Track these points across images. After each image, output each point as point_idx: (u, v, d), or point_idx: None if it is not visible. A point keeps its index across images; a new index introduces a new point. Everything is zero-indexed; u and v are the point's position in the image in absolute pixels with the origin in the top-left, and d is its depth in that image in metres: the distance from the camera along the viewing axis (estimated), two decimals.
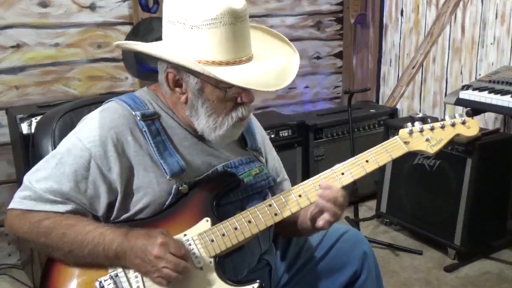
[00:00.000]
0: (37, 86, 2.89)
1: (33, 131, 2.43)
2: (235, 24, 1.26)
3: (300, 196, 1.38)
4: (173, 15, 1.29)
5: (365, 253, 1.56)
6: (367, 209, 3.47)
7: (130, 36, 2.82)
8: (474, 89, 2.61)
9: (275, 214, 1.36)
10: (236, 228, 1.33)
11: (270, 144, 1.64)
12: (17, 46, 2.81)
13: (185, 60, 1.27)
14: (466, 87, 2.65)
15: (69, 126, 1.41)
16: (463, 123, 1.46)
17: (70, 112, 1.59)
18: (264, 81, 1.27)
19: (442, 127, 1.45)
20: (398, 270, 2.75)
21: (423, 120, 1.48)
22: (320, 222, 1.36)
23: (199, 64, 1.26)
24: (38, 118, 2.47)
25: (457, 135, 1.46)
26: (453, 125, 1.46)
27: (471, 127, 1.46)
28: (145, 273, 1.27)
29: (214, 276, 1.30)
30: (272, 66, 1.33)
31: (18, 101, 2.84)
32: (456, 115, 1.48)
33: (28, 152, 2.44)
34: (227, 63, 1.28)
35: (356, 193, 2.99)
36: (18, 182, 2.71)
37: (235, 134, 1.41)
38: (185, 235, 1.33)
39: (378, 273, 1.60)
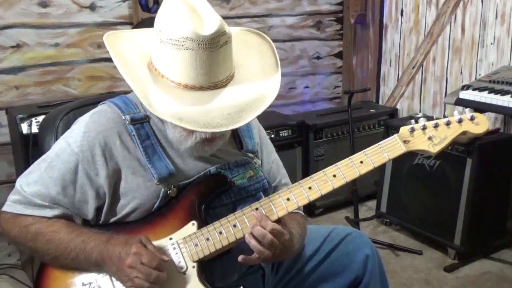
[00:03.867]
0: (37, 86, 2.89)
1: (33, 131, 2.43)
2: (197, 50, 1.19)
3: (288, 199, 1.33)
4: (155, 21, 1.27)
5: (367, 257, 1.51)
6: (367, 209, 3.47)
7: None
8: (474, 89, 2.61)
9: None
10: (221, 233, 1.31)
11: (270, 147, 1.59)
12: (17, 46, 2.81)
13: (129, 80, 1.23)
14: (466, 87, 2.65)
15: (72, 124, 1.42)
16: (471, 119, 1.33)
17: (75, 110, 1.60)
18: (207, 119, 1.19)
19: (448, 123, 1.33)
20: (398, 270, 2.74)
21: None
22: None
23: (137, 88, 1.22)
24: (38, 118, 2.48)
25: (464, 132, 1.33)
26: (459, 121, 1.33)
27: (480, 124, 1.32)
28: (120, 281, 1.27)
29: (195, 281, 1.29)
30: (239, 97, 1.25)
31: (18, 101, 2.84)
32: (467, 110, 1.35)
33: (28, 152, 2.44)
34: (186, 87, 1.24)
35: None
36: None
37: (204, 151, 1.36)
38: (170, 238, 1.32)
39: (382, 275, 1.56)
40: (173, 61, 1.23)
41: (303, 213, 1.56)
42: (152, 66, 1.29)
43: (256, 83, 1.31)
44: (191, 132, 1.29)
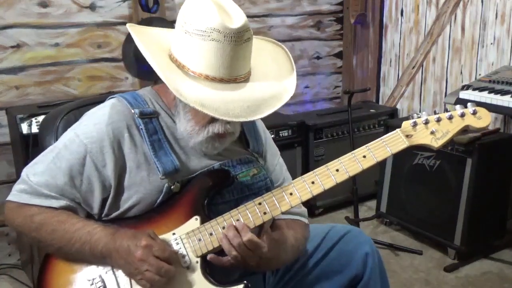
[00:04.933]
0: (37, 86, 2.89)
1: (33, 131, 2.43)
2: (223, 42, 1.22)
3: (291, 194, 1.34)
4: (180, 14, 1.29)
5: (367, 254, 1.51)
6: (367, 209, 3.47)
7: (130, 36, 2.83)
8: (474, 89, 2.61)
9: (264, 213, 1.33)
10: (224, 227, 1.31)
11: (274, 150, 1.60)
12: (17, 46, 2.80)
13: (156, 65, 1.24)
14: (466, 87, 2.65)
15: (73, 124, 1.42)
16: (474, 113, 1.32)
17: (75, 110, 1.60)
18: (227, 109, 1.22)
19: (450, 118, 1.33)
20: (398, 270, 2.74)
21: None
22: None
23: (163, 73, 1.23)
24: (38, 118, 2.48)
25: (466, 127, 1.33)
26: (462, 115, 1.32)
27: (482, 118, 1.32)
28: (129, 275, 1.27)
29: (199, 276, 1.29)
30: (257, 93, 1.29)
31: (18, 101, 2.84)
32: (469, 104, 1.34)
33: (28, 152, 2.44)
34: (206, 77, 1.25)
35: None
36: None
37: (214, 147, 1.37)
38: (173, 233, 1.32)
39: (382, 271, 1.56)
40: (197, 52, 1.24)
41: (306, 221, 1.55)
42: (173, 57, 1.30)
43: (272, 83, 1.34)
44: (204, 126, 1.32)
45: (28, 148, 2.44)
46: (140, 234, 1.26)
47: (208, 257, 1.30)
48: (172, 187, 1.35)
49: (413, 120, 1.35)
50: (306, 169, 3.32)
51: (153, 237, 1.26)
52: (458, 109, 1.34)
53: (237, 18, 1.25)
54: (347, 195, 3.31)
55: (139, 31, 1.35)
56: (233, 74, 1.27)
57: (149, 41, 1.34)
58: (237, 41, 1.23)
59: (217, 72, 1.25)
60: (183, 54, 1.27)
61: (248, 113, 1.25)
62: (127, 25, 1.36)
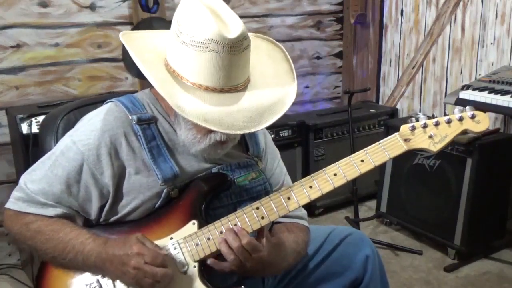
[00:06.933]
0: (37, 86, 2.89)
1: (33, 131, 2.44)
2: (221, 53, 1.19)
3: (289, 198, 1.33)
4: (175, 23, 1.26)
5: (367, 257, 1.51)
6: (367, 209, 3.47)
7: None
8: (474, 89, 2.61)
9: (262, 218, 1.32)
10: (221, 232, 1.30)
11: (275, 153, 1.58)
12: (17, 46, 2.80)
13: (154, 80, 1.22)
14: (466, 87, 2.65)
15: (73, 124, 1.42)
16: (472, 117, 1.32)
17: (75, 110, 1.60)
18: (231, 122, 1.20)
19: (448, 122, 1.33)
20: (398, 270, 2.74)
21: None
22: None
23: (162, 88, 1.21)
24: (38, 118, 2.48)
25: (464, 131, 1.33)
26: (460, 119, 1.32)
27: (481, 122, 1.32)
28: (127, 284, 1.27)
29: (197, 281, 1.29)
30: (258, 100, 1.26)
31: (18, 101, 2.84)
32: (467, 108, 1.34)
33: (28, 152, 2.44)
34: (206, 89, 1.23)
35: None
36: (18, 182, 2.71)
37: (216, 153, 1.36)
38: (171, 238, 1.32)
39: (382, 274, 1.56)
40: (195, 63, 1.22)
41: (306, 224, 1.54)
42: (169, 67, 1.28)
43: (273, 88, 1.32)
44: (206, 134, 1.30)
45: (28, 148, 2.44)
46: (130, 241, 1.24)
47: (209, 261, 1.29)
48: (171, 192, 1.35)
49: (412, 124, 1.34)
50: (306, 169, 3.32)
51: (142, 241, 1.24)
52: (457, 112, 1.34)
53: (234, 27, 1.22)
54: (347, 195, 3.31)
55: (133, 39, 1.32)
56: (233, 83, 1.25)
57: (144, 49, 1.31)
58: (235, 51, 1.21)
59: (217, 82, 1.23)
60: (181, 65, 1.25)
61: (252, 124, 1.23)
62: (120, 34, 1.33)
